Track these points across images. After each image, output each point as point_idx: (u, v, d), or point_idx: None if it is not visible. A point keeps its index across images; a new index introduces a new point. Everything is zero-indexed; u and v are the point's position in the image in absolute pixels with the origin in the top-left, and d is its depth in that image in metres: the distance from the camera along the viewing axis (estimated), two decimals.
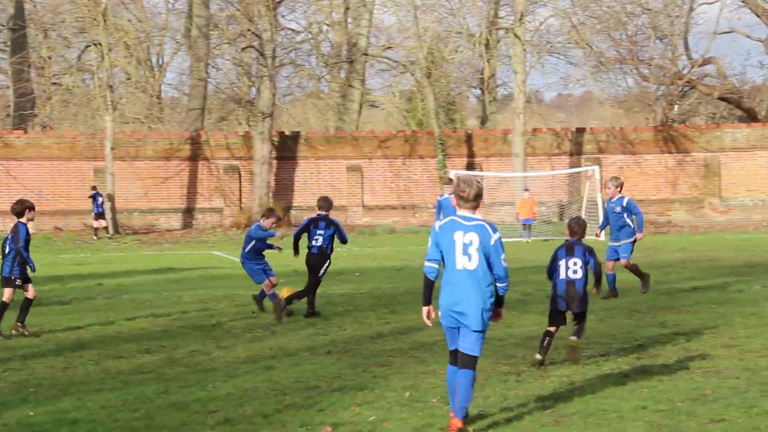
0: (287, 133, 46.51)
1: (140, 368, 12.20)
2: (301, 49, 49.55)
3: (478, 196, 8.86)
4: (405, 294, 19.70)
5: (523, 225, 37.80)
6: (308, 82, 52.03)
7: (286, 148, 44.92)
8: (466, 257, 8.68)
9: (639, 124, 49.69)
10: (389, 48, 51.70)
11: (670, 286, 20.14)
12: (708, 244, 32.32)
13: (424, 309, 8.93)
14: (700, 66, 51.89)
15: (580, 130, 45.92)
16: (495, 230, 8.77)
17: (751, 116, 51.82)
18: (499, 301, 8.89)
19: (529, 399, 10.08)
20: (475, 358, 8.77)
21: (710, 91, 52.62)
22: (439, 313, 8.81)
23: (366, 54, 50.62)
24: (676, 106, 54.69)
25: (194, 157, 44.14)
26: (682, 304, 17.21)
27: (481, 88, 54.76)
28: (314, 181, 44.90)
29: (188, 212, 44.03)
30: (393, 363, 12.26)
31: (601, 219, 19.35)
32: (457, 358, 8.82)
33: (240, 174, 44.30)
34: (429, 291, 8.90)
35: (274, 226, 17.57)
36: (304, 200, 44.51)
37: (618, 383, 10.81)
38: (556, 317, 12.10)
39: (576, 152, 44.82)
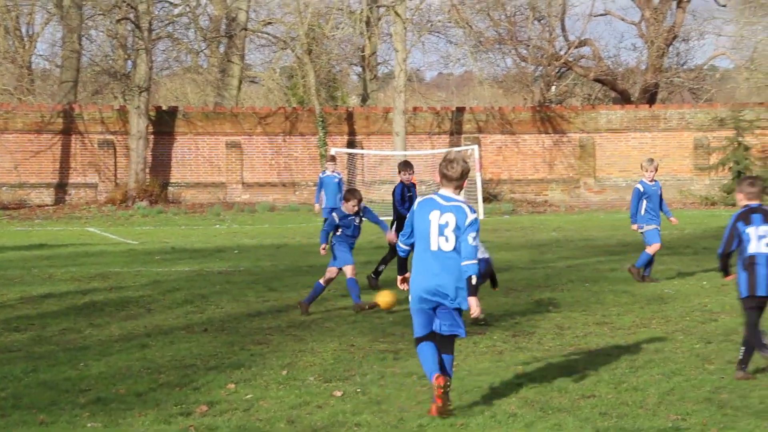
0: (164, 107, 45.75)
1: (7, 346, 11.90)
2: (178, 22, 48.69)
3: (464, 175, 8.67)
4: (284, 272, 19.65)
5: None
6: (186, 56, 51.16)
7: (164, 123, 44.20)
8: (443, 238, 8.49)
9: (517, 105, 50.39)
10: (270, 23, 51.20)
11: (546, 264, 20.57)
12: (583, 224, 33.07)
13: (399, 277, 9.25)
14: (576, 48, 52.90)
15: (460, 110, 46.37)
16: (473, 211, 8.56)
17: (624, 98, 53.10)
18: (470, 289, 8.40)
19: (407, 377, 10.17)
20: (454, 338, 8.75)
21: (586, 73, 53.75)
22: (410, 297, 8.64)
23: (246, 29, 50.08)
24: (553, 87, 55.70)
25: (67, 131, 43.02)
26: (557, 282, 17.57)
27: (362, 66, 54.78)
28: (192, 157, 44.30)
29: (61, 187, 42.96)
30: (270, 341, 12.24)
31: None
32: (426, 339, 8.58)
33: (115, 149, 43.41)
34: (403, 264, 9.11)
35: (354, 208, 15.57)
36: (182, 176, 43.91)
37: (493, 360, 11.00)
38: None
39: (456, 131, 45.24)
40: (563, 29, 52.87)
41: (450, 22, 46.32)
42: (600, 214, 38.55)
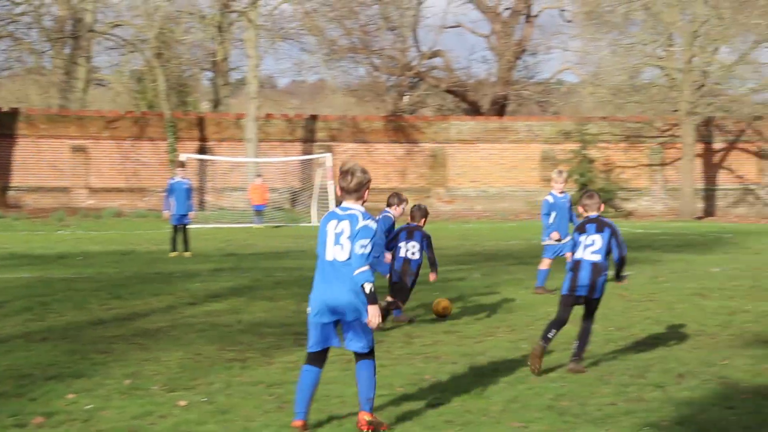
0: (5, 109, 44.31)
1: None
2: (20, 21, 47.27)
3: (361, 186, 8.41)
4: (130, 279, 19.23)
5: (255, 211, 37.87)
6: (29, 56, 49.73)
7: (4, 125, 42.82)
8: (338, 247, 8.26)
9: (370, 113, 50.72)
10: (118, 25, 50.20)
11: None
12: (433, 233, 33.29)
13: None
14: (428, 58, 53.70)
15: (313, 117, 46.36)
16: (366, 218, 8.30)
17: (475, 109, 54.15)
18: (369, 297, 8.11)
19: (253, 386, 10.08)
20: (365, 353, 8.41)
21: (438, 84, 54.57)
22: (309, 309, 8.38)
23: (92, 30, 48.96)
24: (405, 97, 56.32)
25: None
26: None
27: (214, 71, 54.25)
28: (35, 161, 43.05)
29: None
30: (114, 350, 11.94)
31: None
32: (317, 359, 8.39)
33: None
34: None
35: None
36: (23, 180, 42.62)
37: (341, 370, 10.98)
38: None
39: (309, 139, 45.23)
40: (415, 40, 53.59)
41: (303, 29, 46.28)
42: (450, 224, 39.03)
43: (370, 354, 8.39)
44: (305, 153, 44.54)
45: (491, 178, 45.11)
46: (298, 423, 8.24)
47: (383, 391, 9.86)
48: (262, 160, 42.51)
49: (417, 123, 46.56)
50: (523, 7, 54.93)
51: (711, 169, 44.54)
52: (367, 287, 8.10)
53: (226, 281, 18.90)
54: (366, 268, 8.13)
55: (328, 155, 40.77)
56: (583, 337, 11.13)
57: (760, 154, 44.53)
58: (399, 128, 45.95)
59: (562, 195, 17.34)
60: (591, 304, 11.15)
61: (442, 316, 14.38)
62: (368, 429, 8.24)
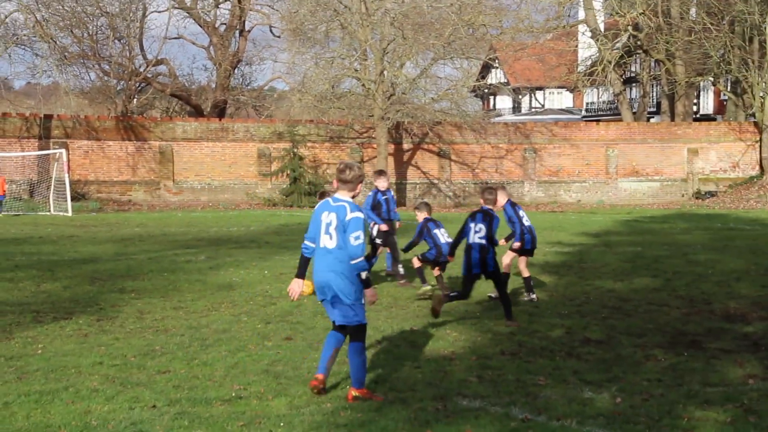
0: None
1: None
2: None
3: (356, 179, 8.17)
4: None
5: None
6: None
7: None
8: (328, 236, 8.06)
9: (103, 114, 48.98)
10: None
11: (129, 256, 20.13)
12: (163, 221, 32.78)
13: (294, 281, 8.47)
14: (154, 65, 52.46)
15: (48, 117, 44.15)
16: (354, 209, 8.04)
17: (198, 112, 53.49)
18: (364, 282, 8.16)
19: None
20: (358, 327, 8.15)
21: (163, 88, 53.47)
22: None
23: None
24: (134, 100, 54.76)
25: None
26: (139, 272, 17.26)
27: None
28: None
29: None
30: None
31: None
32: (336, 328, 8.34)
33: None
34: (302, 266, 8.38)
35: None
36: None
37: (78, 342, 10.61)
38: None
39: (45, 136, 43.00)
40: (141, 49, 52.20)
41: (35, 36, 43.90)
42: (178, 212, 38.39)
43: (358, 335, 8.20)
44: (41, 149, 42.34)
45: (214, 173, 44.67)
46: (319, 377, 8.26)
47: (117, 361, 9.62)
48: (0, 155, 40.19)
49: (146, 123, 45.32)
50: (237, 22, 54.77)
51: (401, 165, 46.19)
52: (363, 275, 8.14)
53: None
54: (362, 258, 8.07)
55: (63, 151, 39.37)
56: (504, 301, 12.04)
57: (440, 154, 46.61)
58: (129, 127, 44.55)
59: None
60: (491, 276, 11.89)
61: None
62: (353, 401, 8.07)
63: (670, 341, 10.86)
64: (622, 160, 47.55)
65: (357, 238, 8.04)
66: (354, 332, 8.22)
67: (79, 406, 7.90)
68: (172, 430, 7.25)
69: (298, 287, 8.49)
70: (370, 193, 16.03)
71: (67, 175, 38.27)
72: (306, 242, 8.39)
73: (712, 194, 46.47)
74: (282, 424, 7.43)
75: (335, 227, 8.08)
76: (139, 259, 19.68)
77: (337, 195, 8.29)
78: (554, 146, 47.45)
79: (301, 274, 8.47)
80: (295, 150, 43.96)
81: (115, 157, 43.84)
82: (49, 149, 41.79)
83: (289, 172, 43.78)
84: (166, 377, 8.97)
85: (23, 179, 41.90)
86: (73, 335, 11.09)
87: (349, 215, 8.07)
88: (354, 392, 8.16)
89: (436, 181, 46.76)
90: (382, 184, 16.00)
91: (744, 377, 9.07)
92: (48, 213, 37.25)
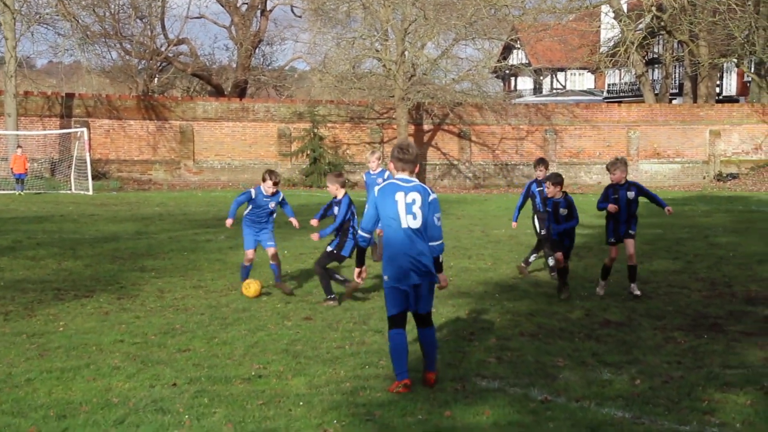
0: None
1: None
2: None
3: (417, 158, 8.01)
4: None
5: (16, 179, 36.20)
6: None
7: None
8: (411, 216, 7.80)
9: (124, 93, 49.13)
10: None
11: (149, 236, 20.23)
12: (183, 201, 32.92)
13: (356, 270, 8.28)
14: (175, 45, 52.57)
15: (70, 96, 44.32)
16: (432, 192, 7.93)
17: (219, 91, 53.57)
18: (437, 267, 7.96)
19: (17, 336, 9.64)
20: (431, 311, 8.10)
21: (184, 68, 53.56)
22: (385, 278, 7.87)
23: None
24: (155, 79, 54.89)
25: None
26: (159, 251, 17.35)
27: None
28: None
29: None
30: None
31: None
32: (405, 320, 7.95)
33: None
34: (361, 255, 8.24)
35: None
36: None
37: (99, 320, 10.69)
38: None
39: (66, 115, 43.18)
40: (163, 28, 52.27)
41: (58, 15, 44.01)
42: (198, 192, 38.52)
43: (431, 318, 8.11)
44: (63, 127, 42.53)
45: (234, 153, 44.75)
46: (407, 382, 7.86)
47: (138, 339, 9.69)
48: (21, 133, 40.39)
49: (167, 102, 45.41)
50: (259, 2, 54.71)
51: (421, 146, 46.10)
52: (440, 258, 8.00)
53: None
54: (441, 241, 7.94)
55: (84, 130, 39.61)
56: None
57: (460, 135, 46.49)
58: (150, 107, 44.66)
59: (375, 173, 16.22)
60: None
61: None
62: (433, 383, 7.97)
63: (690, 324, 10.82)
64: (644, 141, 47.27)
65: (439, 218, 7.96)
66: (429, 317, 8.11)
67: (100, 384, 7.97)
68: (192, 408, 7.29)
69: (361, 280, 8.39)
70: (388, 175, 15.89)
71: (88, 153, 38.46)
72: (362, 233, 8.13)
73: (733, 176, 46.14)
74: (301, 403, 7.47)
75: (419, 206, 7.86)
76: (160, 238, 19.77)
77: (401, 176, 7.99)
78: (575, 128, 47.23)
79: (360, 262, 8.30)
80: (316, 130, 43.96)
81: (136, 137, 43.99)
82: (70, 128, 41.99)
83: (309, 152, 43.81)
84: (186, 356, 9.02)
85: (45, 158, 42.13)
86: (94, 313, 11.17)
87: (431, 195, 7.93)
88: (434, 375, 8.07)
89: (456, 162, 46.67)
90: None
91: (764, 360, 9.03)
92: (69, 192, 37.47)
